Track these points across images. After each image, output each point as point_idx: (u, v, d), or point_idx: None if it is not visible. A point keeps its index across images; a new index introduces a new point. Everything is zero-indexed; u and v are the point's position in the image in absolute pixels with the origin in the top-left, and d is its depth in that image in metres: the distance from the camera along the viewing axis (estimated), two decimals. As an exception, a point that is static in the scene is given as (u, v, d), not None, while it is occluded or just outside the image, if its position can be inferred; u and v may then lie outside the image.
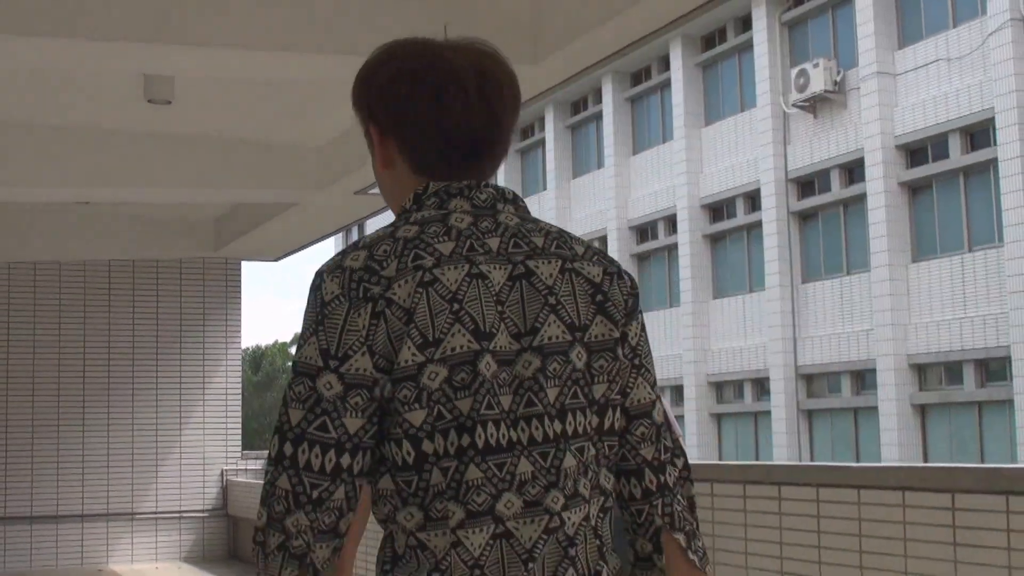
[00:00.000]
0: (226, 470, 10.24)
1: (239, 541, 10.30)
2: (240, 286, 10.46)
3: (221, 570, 9.71)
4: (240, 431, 10.42)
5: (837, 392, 21.10)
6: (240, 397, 10.46)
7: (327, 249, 66.42)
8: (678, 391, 23.55)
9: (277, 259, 10.83)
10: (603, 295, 1.46)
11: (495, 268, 1.39)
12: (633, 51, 4.92)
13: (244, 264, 10.56)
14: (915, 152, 19.76)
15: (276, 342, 53.66)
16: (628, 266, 19.10)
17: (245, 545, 10.05)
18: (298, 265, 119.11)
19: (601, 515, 1.44)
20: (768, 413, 21.75)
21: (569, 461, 1.39)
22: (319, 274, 1.38)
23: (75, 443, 9.64)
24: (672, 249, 24.67)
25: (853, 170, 20.78)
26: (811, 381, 21.54)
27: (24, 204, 8.70)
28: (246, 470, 10.40)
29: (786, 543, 4.13)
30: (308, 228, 9.28)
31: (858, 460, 19.65)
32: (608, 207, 25.97)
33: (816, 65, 20.80)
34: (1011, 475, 3.49)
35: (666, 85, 25.09)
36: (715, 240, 24.04)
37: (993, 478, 3.52)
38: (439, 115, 1.44)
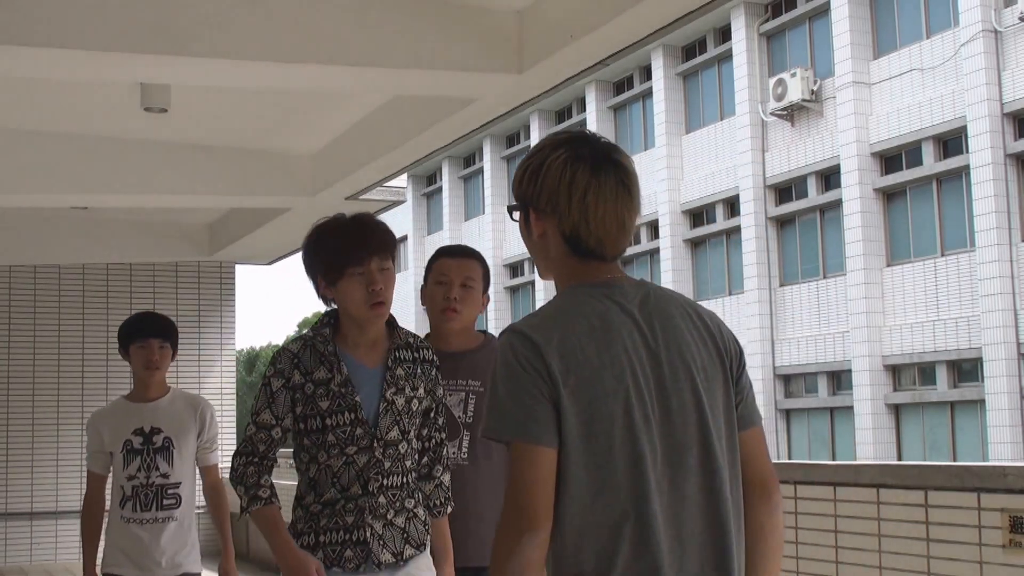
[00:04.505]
0: (221, 468, 10.23)
1: (232, 536, 10.37)
2: (234, 289, 10.42)
3: (214, 565, 9.83)
4: (235, 431, 10.43)
5: (814, 392, 21.29)
6: (235, 397, 10.39)
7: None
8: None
9: (270, 263, 10.76)
10: None
11: None
12: (616, 61, 5.04)
13: (238, 267, 10.51)
14: (890, 159, 20.01)
15: (270, 343, 53.61)
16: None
17: (238, 540, 10.18)
18: (291, 268, 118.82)
19: None
20: (747, 414, 21.93)
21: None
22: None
23: (75, 441, 9.52)
24: (654, 253, 24.92)
25: (829, 177, 21.01)
26: (789, 381, 21.78)
27: (24, 209, 8.69)
28: (239, 469, 10.40)
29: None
30: (300, 233, 9.25)
31: (834, 458, 19.85)
32: (591, 214, 26.18)
33: (794, 75, 21.05)
34: (982, 473, 3.60)
35: (648, 94, 25.33)
36: (695, 245, 24.32)
37: (965, 476, 3.63)
38: None
